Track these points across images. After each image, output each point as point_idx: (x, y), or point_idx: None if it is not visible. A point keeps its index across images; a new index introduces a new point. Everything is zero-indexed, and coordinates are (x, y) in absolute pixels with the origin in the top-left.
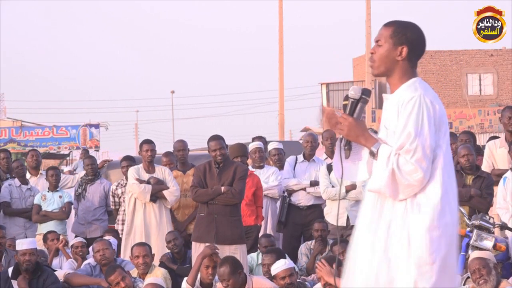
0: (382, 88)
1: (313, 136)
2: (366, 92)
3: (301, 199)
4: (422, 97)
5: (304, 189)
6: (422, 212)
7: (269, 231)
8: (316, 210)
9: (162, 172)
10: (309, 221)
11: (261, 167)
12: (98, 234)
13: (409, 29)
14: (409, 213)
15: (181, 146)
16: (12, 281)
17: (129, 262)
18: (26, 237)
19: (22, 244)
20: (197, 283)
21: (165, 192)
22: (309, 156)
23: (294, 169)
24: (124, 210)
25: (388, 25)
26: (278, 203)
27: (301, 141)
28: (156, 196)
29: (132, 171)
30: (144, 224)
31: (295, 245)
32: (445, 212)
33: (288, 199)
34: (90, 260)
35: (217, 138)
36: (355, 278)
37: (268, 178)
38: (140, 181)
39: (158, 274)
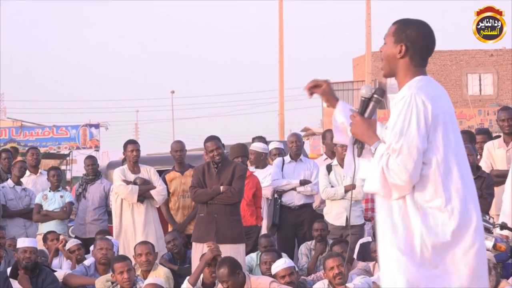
0: None
1: (297, 136)
2: (379, 92)
3: (292, 199)
4: (413, 97)
5: (294, 188)
6: (425, 217)
7: (266, 231)
8: (308, 209)
9: (147, 172)
10: (301, 220)
11: (258, 168)
12: None
13: (410, 26)
14: (411, 214)
15: (179, 146)
16: (11, 280)
17: None
18: (28, 237)
19: (23, 242)
20: (199, 283)
21: (152, 192)
22: (296, 156)
23: (282, 170)
24: None
25: (394, 22)
26: (265, 206)
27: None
28: (144, 196)
29: (117, 172)
30: (132, 225)
31: (290, 246)
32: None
33: (279, 200)
34: (85, 261)
35: (212, 139)
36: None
37: (265, 178)
38: (127, 182)
39: (160, 273)
